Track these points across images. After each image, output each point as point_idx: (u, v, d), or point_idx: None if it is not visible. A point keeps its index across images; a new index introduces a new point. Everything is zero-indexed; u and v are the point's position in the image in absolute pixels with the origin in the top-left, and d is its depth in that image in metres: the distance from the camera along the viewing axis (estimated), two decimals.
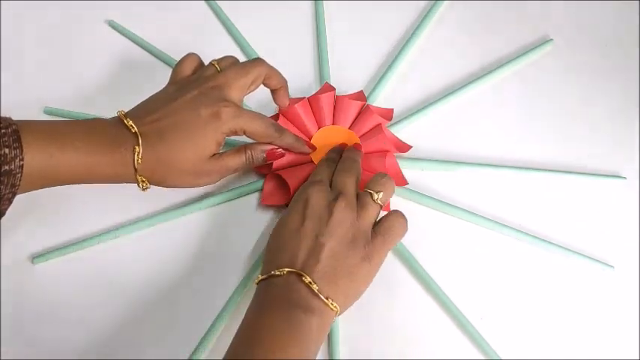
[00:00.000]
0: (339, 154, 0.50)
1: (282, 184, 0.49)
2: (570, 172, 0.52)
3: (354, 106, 0.52)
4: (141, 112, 0.44)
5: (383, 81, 0.55)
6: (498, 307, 0.47)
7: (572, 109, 0.55)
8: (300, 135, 0.51)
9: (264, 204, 0.50)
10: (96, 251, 0.48)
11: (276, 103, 0.51)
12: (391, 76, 0.56)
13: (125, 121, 0.43)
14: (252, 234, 0.49)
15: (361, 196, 0.44)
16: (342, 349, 0.44)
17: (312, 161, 0.50)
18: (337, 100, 0.52)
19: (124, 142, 0.43)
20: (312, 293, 0.39)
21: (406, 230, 0.44)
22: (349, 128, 0.52)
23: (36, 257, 0.47)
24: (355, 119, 0.52)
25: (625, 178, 0.52)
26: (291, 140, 0.48)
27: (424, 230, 0.49)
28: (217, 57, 0.49)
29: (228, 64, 0.48)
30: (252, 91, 0.48)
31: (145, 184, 0.44)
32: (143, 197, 0.49)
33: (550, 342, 0.46)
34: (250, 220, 0.49)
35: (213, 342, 0.44)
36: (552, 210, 0.51)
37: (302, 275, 0.39)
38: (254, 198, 0.50)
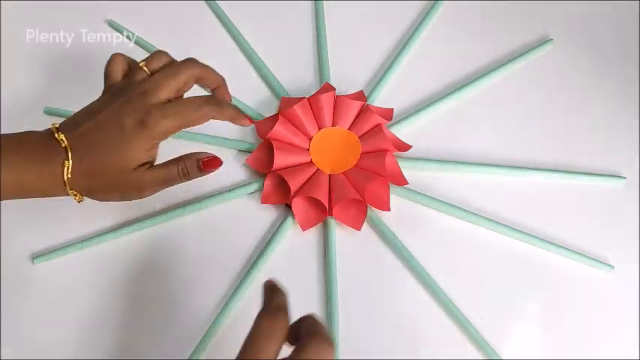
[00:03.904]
0: None
1: (282, 184, 0.49)
2: (570, 172, 0.52)
3: (354, 106, 0.52)
4: (71, 123, 0.43)
5: (383, 81, 0.55)
6: (498, 307, 0.47)
7: (572, 108, 0.55)
8: (299, 136, 0.51)
9: (264, 204, 0.50)
10: (96, 251, 0.48)
11: None
12: (391, 76, 0.56)
13: (56, 134, 0.42)
14: (252, 234, 0.49)
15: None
16: (342, 349, 0.44)
17: (312, 162, 0.50)
18: (337, 100, 0.52)
19: (54, 156, 0.41)
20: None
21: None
22: (349, 128, 0.52)
23: (36, 257, 0.47)
24: (355, 119, 0.52)
25: (625, 178, 0.52)
26: (234, 113, 0.46)
27: (424, 230, 0.49)
28: (216, 58, 0.49)
29: (159, 65, 0.46)
30: (185, 92, 0.46)
31: (79, 197, 0.43)
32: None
33: (550, 342, 0.46)
34: (250, 220, 0.49)
35: (213, 342, 0.44)
36: (552, 210, 0.51)
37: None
38: (254, 198, 0.50)
